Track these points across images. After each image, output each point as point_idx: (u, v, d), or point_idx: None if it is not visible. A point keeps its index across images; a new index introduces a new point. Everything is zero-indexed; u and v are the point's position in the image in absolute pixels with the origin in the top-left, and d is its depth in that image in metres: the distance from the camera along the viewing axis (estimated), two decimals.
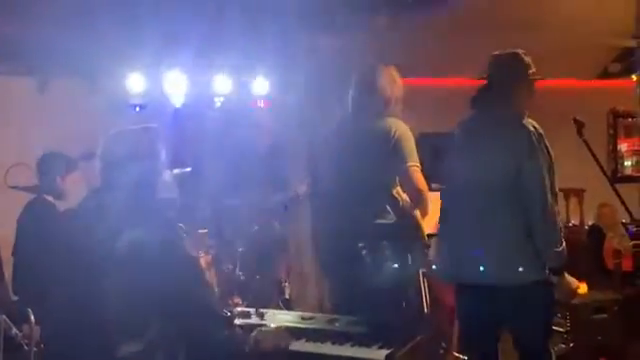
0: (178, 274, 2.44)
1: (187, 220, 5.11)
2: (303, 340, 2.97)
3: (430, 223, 4.65)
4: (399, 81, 4.28)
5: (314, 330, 3.05)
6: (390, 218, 4.15)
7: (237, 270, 5.22)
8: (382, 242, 4.15)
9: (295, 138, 6.59)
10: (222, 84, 6.69)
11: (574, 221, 7.52)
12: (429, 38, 6.25)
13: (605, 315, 4.62)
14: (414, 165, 4.08)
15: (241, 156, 5.98)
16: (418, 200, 4.05)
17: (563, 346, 4.58)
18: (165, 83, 6.44)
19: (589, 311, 4.63)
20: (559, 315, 4.63)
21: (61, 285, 2.74)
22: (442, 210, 3.74)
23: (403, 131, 4.11)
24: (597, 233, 6.47)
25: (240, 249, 5.27)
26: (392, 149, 4.06)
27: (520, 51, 3.63)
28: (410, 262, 4.08)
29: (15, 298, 4.38)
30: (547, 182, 3.40)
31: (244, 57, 6.52)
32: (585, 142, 3.81)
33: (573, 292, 3.55)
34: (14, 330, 3.73)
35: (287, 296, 6.10)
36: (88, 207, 2.62)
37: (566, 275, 3.45)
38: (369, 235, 4.10)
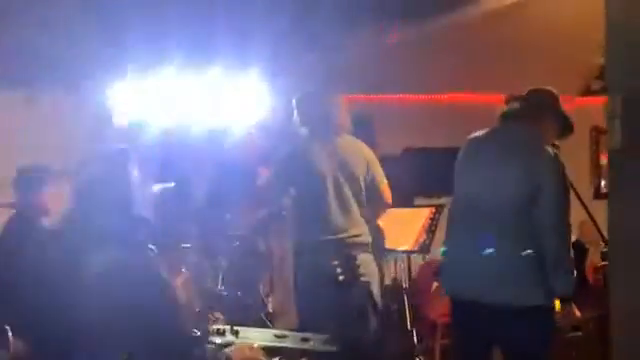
0: (146, 296, 2.49)
1: (170, 236, 5.21)
2: (277, 359, 3.02)
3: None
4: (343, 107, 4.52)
5: (287, 349, 3.10)
6: (363, 233, 4.29)
7: (219, 285, 5.26)
8: (355, 258, 4.23)
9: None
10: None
11: None
12: (412, 56, 6.32)
13: (580, 333, 4.68)
14: (385, 182, 4.29)
15: (226, 171, 6.03)
16: (382, 212, 4.25)
17: None
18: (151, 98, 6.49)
19: (565, 329, 4.68)
20: None
21: (33, 305, 2.78)
22: (450, 222, 3.74)
23: (369, 150, 4.31)
24: (580, 249, 6.51)
25: (222, 264, 5.32)
26: (366, 168, 4.23)
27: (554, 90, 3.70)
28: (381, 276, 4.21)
29: None
30: (563, 210, 3.42)
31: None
32: None
33: (576, 320, 3.57)
34: None
35: (270, 310, 6.15)
36: (60, 228, 2.68)
37: (572, 304, 3.47)
38: (343, 251, 4.17)
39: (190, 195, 5.68)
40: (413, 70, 6.69)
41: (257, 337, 3.21)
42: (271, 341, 3.18)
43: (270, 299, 6.42)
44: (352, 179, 4.34)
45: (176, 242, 5.12)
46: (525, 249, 3.39)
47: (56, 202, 4.13)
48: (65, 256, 2.54)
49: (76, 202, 2.65)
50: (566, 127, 3.68)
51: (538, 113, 3.61)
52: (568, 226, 3.44)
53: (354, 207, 4.34)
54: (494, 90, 7.13)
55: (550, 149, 3.48)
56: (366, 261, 4.28)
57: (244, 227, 5.69)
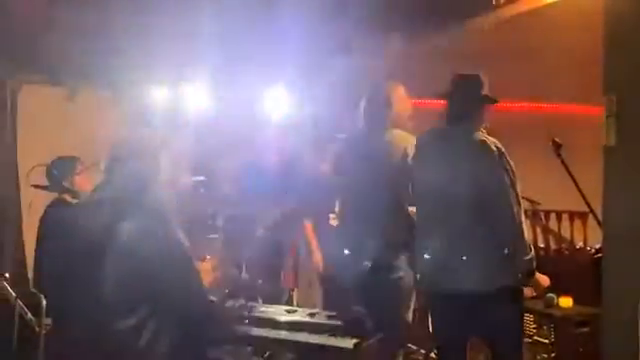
0: (166, 259, 2.75)
1: (200, 226, 5.46)
2: (284, 330, 3.26)
3: None
4: (408, 98, 4.56)
5: (295, 322, 3.34)
6: (400, 230, 4.38)
7: (242, 274, 5.51)
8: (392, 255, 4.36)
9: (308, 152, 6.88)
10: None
11: (580, 243, 7.63)
12: (435, 62, 6.49)
13: (588, 328, 4.81)
14: None
15: (254, 167, 6.28)
16: None
17: (546, 356, 4.78)
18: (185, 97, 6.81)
19: (573, 324, 4.82)
20: (544, 327, 4.86)
21: (69, 273, 3.06)
22: (417, 221, 3.99)
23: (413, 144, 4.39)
24: None
25: (247, 254, 5.56)
26: (410, 165, 4.27)
27: (479, 73, 3.91)
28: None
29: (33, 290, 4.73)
30: (512, 195, 3.66)
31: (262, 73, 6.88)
32: (562, 162, 4.08)
33: (544, 288, 3.86)
34: (28, 315, 4.10)
35: (295, 304, 6.37)
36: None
37: (537, 275, 3.76)
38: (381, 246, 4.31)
39: (218, 189, 5.93)
40: (431, 76, 6.86)
41: (269, 312, 3.45)
42: (281, 315, 3.42)
43: (295, 293, 6.65)
44: (384, 176, 4.38)
45: (203, 233, 5.41)
46: (485, 239, 3.66)
47: (86, 186, 4.47)
48: (94, 224, 2.81)
49: (107, 177, 2.93)
50: (492, 103, 3.91)
51: (471, 107, 3.84)
52: (520, 209, 3.68)
53: (387, 205, 4.39)
54: (516, 98, 7.31)
55: (492, 143, 3.71)
56: (400, 258, 4.39)
57: (268, 219, 5.92)
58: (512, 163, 3.72)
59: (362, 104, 4.55)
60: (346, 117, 5.16)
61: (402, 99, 4.52)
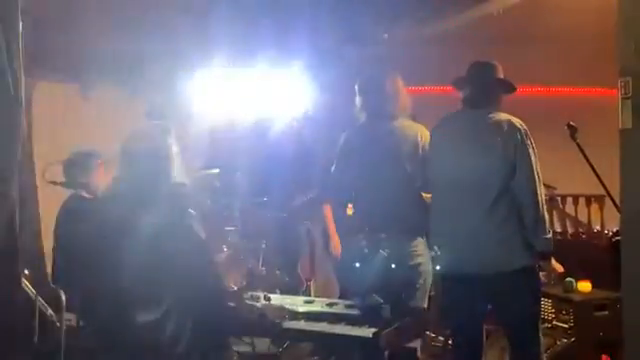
0: (186, 252, 2.78)
1: (216, 218, 5.47)
2: (302, 320, 3.26)
3: None
4: (403, 87, 4.58)
5: (313, 312, 3.35)
6: (416, 217, 4.38)
7: (260, 265, 5.53)
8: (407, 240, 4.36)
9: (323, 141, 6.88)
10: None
11: (597, 227, 7.61)
12: (442, 50, 6.48)
13: (607, 312, 4.79)
14: None
15: (269, 158, 6.30)
16: None
17: (565, 341, 4.76)
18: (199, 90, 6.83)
19: (592, 308, 4.80)
20: (563, 312, 4.85)
21: (90, 266, 3.09)
22: (434, 204, 3.98)
23: (424, 132, 4.41)
24: None
25: (263, 245, 5.58)
26: (421, 153, 4.33)
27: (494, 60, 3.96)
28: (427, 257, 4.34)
29: (53, 286, 4.76)
30: (537, 175, 3.66)
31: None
32: (578, 146, 4.06)
33: (558, 274, 3.85)
34: (49, 311, 4.12)
35: (312, 294, 6.38)
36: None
37: (552, 259, 3.75)
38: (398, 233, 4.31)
39: (233, 181, 5.96)
40: (439, 64, 6.85)
41: (287, 302, 3.46)
42: (299, 305, 3.42)
43: (312, 283, 6.66)
44: (398, 164, 4.40)
45: (220, 224, 5.43)
46: (506, 219, 3.67)
47: (103, 181, 4.49)
48: (113, 219, 2.83)
49: (122, 172, 2.95)
50: (510, 88, 3.94)
51: (490, 91, 3.88)
52: (541, 191, 3.70)
53: (402, 192, 4.39)
54: (529, 82, 7.27)
55: (517, 123, 3.73)
56: (417, 245, 4.40)
57: (284, 210, 5.93)
58: (534, 144, 3.73)
59: (364, 95, 4.56)
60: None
61: (402, 88, 4.56)
